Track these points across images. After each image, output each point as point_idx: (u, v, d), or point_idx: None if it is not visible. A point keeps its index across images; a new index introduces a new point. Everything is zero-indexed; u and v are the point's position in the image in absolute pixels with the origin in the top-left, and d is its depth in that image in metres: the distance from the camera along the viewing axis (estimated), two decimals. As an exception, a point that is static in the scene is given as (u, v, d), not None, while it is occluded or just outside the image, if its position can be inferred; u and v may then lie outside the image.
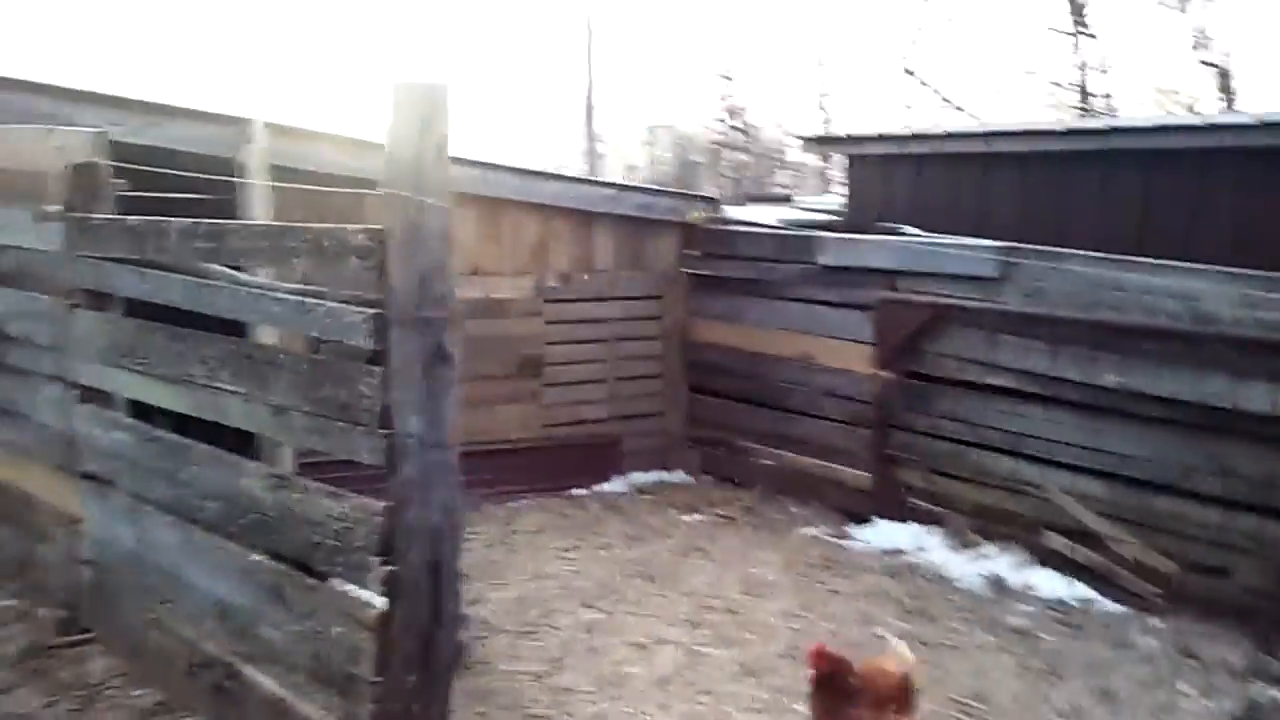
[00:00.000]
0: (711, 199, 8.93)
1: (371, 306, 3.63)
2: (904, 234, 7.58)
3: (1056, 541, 6.47)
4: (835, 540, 7.07)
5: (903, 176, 9.30)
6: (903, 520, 7.20)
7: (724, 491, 8.12)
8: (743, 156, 26.70)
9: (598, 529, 7.04)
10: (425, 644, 3.67)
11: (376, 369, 3.60)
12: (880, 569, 6.53)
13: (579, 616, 5.48)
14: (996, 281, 6.84)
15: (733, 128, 27.05)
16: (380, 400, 3.59)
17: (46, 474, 4.92)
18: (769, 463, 8.17)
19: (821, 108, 25.96)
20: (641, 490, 8.06)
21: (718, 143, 27.52)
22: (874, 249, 7.50)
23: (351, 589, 3.70)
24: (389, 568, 3.58)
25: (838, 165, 16.92)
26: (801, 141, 9.59)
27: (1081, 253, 6.58)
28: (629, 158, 28.67)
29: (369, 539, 3.62)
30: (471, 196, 7.43)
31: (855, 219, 9.38)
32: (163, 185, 6.68)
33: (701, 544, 6.81)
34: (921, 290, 7.20)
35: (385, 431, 3.60)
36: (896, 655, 3.87)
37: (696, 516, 7.44)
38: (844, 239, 7.74)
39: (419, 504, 3.66)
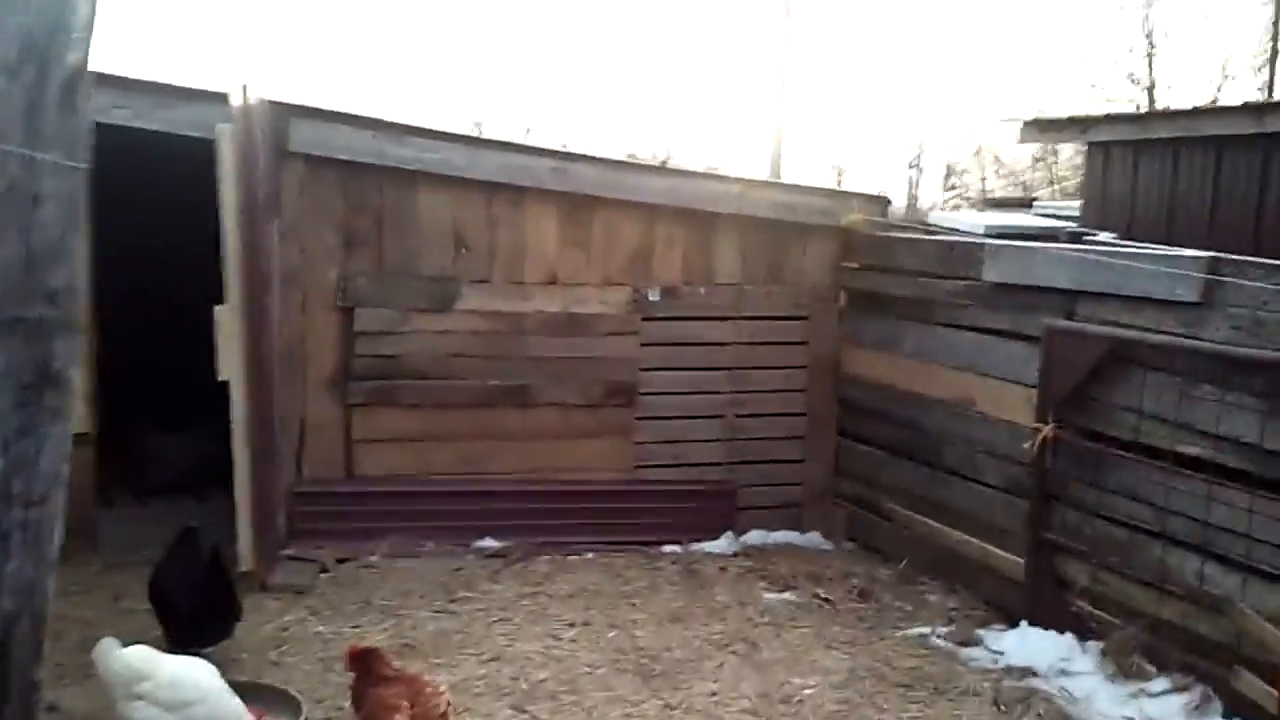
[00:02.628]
0: (878, 197, 7.24)
1: (-56, 300, 2.69)
2: (1094, 240, 5.60)
3: (1251, 685, 4.36)
4: (950, 646, 5.27)
5: (1151, 170, 7.13)
6: (1058, 628, 5.26)
7: (857, 564, 6.46)
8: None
9: (641, 600, 5.69)
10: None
11: (-62, 387, 2.65)
12: (987, 694, 4.73)
13: (487, 724, 4.23)
14: (1198, 308, 4.78)
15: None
16: (-60, 431, 2.64)
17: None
18: (920, 534, 6.42)
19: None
20: (748, 553, 6.56)
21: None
22: (1048, 261, 5.59)
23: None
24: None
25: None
26: (1020, 128, 7.57)
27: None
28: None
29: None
30: (547, 191, 6.35)
31: (1092, 226, 7.33)
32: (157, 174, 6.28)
33: (758, 635, 5.29)
34: (1101, 318, 5.25)
35: (-60, 474, 2.64)
36: None
37: (787, 595, 5.88)
38: (1015, 248, 5.87)
39: (-17, 580, 2.66)
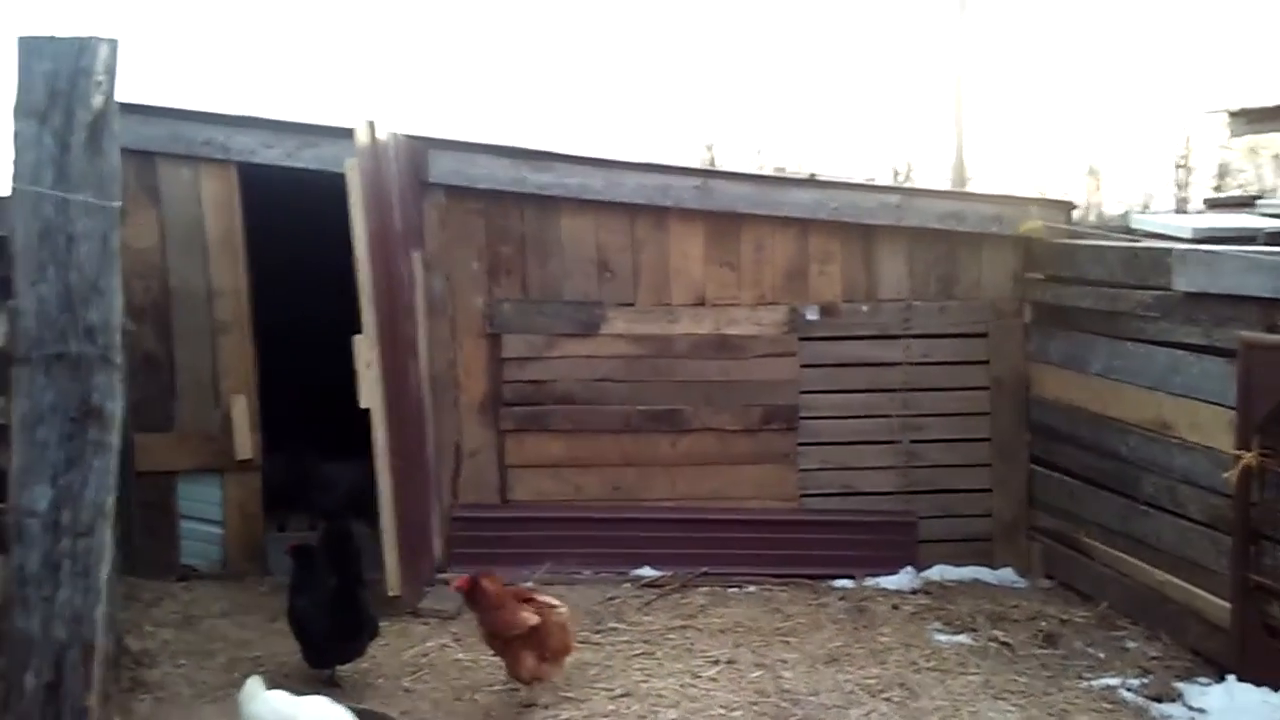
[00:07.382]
0: (1060, 202, 6.61)
1: (-9, 337, 2.77)
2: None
3: None
4: (1140, 701, 4.66)
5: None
6: (1271, 685, 4.56)
7: (1050, 605, 5.86)
8: None
9: (797, 638, 5.32)
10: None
11: (-11, 422, 2.73)
12: (1175, 762, 4.13)
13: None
14: None
15: None
16: (-9, 464, 2.71)
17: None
18: (1121, 572, 5.76)
19: None
20: (928, 590, 6.06)
21: None
22: (1241, 267, 4.93)
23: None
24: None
25: None
26: (1228, 119, 6.71)
27: None
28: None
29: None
30: (691, 210, 6.15)
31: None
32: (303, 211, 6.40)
33: (919, 681, 4.82)
34: (1311, 327, 4.55)
35: (-6, 506, 2.70)
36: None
37: (961, 638, 5.37)
38: (1203, 252, 5.20)
39: (38, 608, 2.69)
